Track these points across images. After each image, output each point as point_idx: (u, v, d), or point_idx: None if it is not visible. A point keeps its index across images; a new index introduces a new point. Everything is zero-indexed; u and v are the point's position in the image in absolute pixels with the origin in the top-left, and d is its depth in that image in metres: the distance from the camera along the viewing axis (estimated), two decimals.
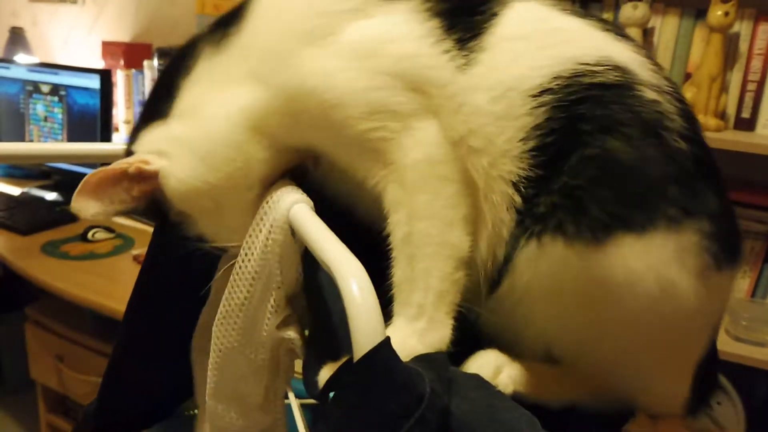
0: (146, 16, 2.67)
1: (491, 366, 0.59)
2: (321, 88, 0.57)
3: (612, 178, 0.52)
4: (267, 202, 0.62)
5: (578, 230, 0.52)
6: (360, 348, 0.45)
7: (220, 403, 0.70)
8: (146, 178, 0.64)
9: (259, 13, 0.62)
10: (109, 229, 2.04)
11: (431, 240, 0.57)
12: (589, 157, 0.52)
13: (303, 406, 0.68)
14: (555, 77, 0.54)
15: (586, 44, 0.56)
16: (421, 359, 0.53)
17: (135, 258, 1.87)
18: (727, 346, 1.47)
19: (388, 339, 0.45)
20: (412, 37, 0.57)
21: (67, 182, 2.40)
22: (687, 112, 0.55)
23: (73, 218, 2.15)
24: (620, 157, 0.51)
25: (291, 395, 0.70)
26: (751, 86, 1.57)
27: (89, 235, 1.99)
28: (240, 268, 0.64)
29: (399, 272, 0.58)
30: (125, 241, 2.00)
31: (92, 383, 1.91)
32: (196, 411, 0.86)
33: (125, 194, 0.65)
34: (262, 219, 0.62)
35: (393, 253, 0.59)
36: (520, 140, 0.55)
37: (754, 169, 1.65)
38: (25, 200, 2.27)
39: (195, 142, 0.63)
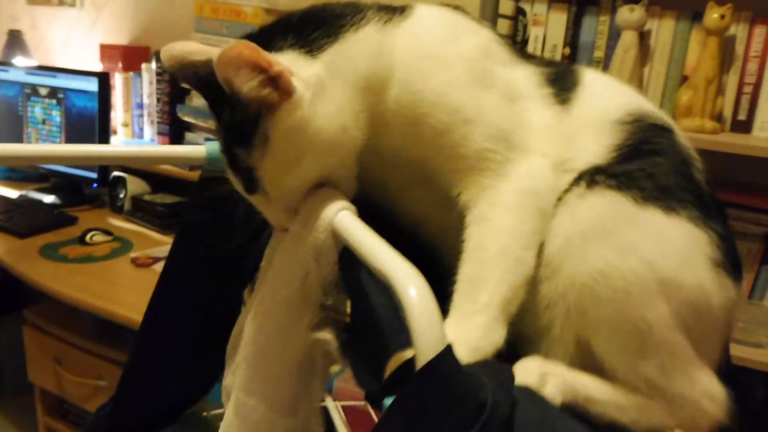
0: (144, 19, 2.67)
1: (536, 375, 0.60)
2: (467, 104, 0.65)
3: (657, 176, 0.65)
4: (315, 200, 0.63)
5: (630, 190, 0.64)
6: (422, 355, 0.44)
7: (251, 397, 0.70)
8: (278, 87, 0.60)
9: (414, 28, 0.69)
10: (107, 232, 2.04)
11: (511, 253, 0.63)
12: (645, 163, 0.66)
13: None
14: (629, 113, 0.69)
15: (641, 98, 0.73)
16: (489, 367, 0.54)
17: (133, 261, 1.87)
18: None
19: (450, 347, 0.45)
20: (534, 96, 0.69)
21: (65, 185, 2.40)
22: (703, 163, 0.71)
23: (71, 221, 2.16)
24: (663, 167, 0.66)
25: (329, 398, 0.69)
26: (748, 89, 1.57)
27: (87, 237, 1.99)
28: (280, 264, 0.64)
29: (469, 270, 0.63)
30: (123, 244, 2.00)
31: (90, 386, 1.91)
32: (207, 413, 0.86)
33: (256, 85, 0.60)
34: (308, 220, 0.62)
35: (464, 255, 0.64)
36: (607, 154, 0.67)
37: (750, 171, 1.65)
38: (24, 203, 2.28)
39: (339, 97, 0.63)
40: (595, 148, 0.67)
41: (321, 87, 0.62)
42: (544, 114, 0.68)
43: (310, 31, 0.65)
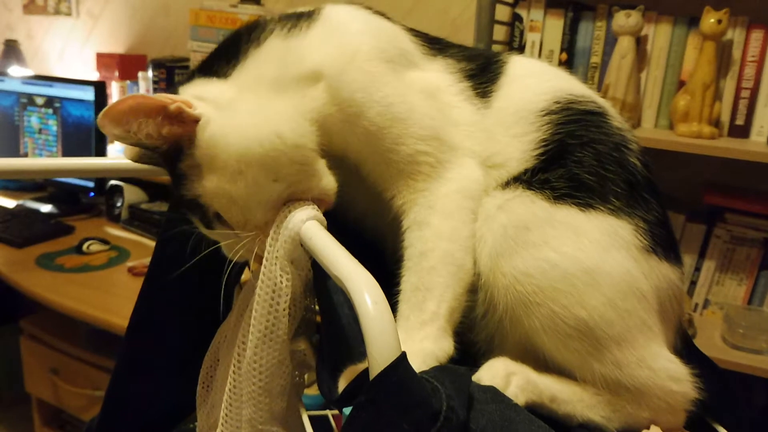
0: (140, 27, 2.67)
1: (501, 375, 0.60)
2: (394, 102, 0.65)
3: (580, 175, 0.66)
4: (284, 213, 0.63)
5: (545, 190, 0.65)
6: (376, 363, 0.44)
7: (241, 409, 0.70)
8: (182, 121, 0.62)
9: (326, 28, 0.68)
10: (103, 241, 2.03)
11: (453, 260, 0.64)
12: (571, 161, 0.66)
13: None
14: (555, 101, 0.68)
15: (572, 82, 0.72)
16: (445, 371, 0.54)
17: (130, 270, 1.86)
18: (724, 354, 1.46)
19: (404, 355, 0.45)
20: (452, 91, 0.69)
21: (62, 195, 2.40)
22: (641, 146, 0.70)
23: (68, 230, 2.15)
24: (588, 162, 0.66)
25: (302, 409, 0.69)
26: (745, 93, 1.57)
27: (84, 247, 1.98)
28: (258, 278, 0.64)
29: (413, 279, 0.63)
30: (120, 253, 1.99)
31: (87, 396, 1.90)
32: (195, 425, 0.85)
33: (154, 129, 0.62)
34: (277, 231, 0.62)
35: (407, 263, 0.64)
36: (531, 150, 0.67)
37: (748, 176, 1.65)
38: (20, 213, 2.27)
39: (253, 107, 0.64)
40: (520, 143, 0.68)
41: (232, 102, 0.64)
42: (466, 109, 0.68)
43: (215, 60, 0.68)
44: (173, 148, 0.64)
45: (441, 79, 0.69)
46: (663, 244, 0.66)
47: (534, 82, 0.70)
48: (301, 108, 0.64)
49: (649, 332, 0.63)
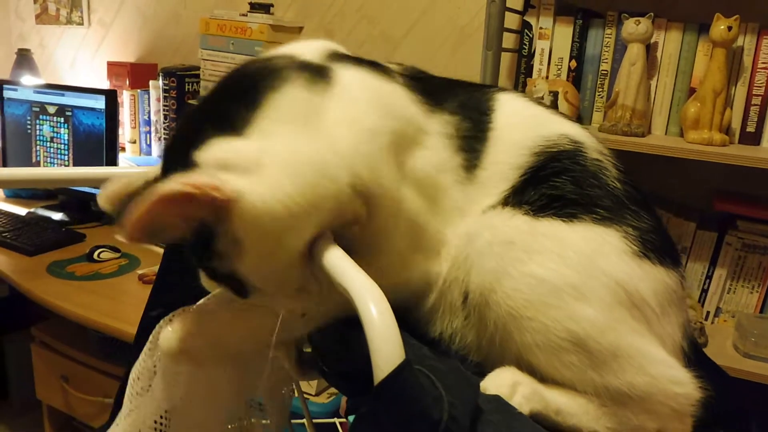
0: (151, 36, 2.69)
1: (507, 384, 0.60)
2: (392, 198, 0.63)
3: (557, 193, 0.66)
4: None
5: (526, 205, 0.66)
6: (380, 372, 0.45)
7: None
8: (213, 204, 0.54)
9: (341, 103, 0.62)
10: (114, 249, 2.04)
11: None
12: (545, 187, 0.67)
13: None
14: (535, 153, 0.68)
15: (554, 123, 0.72)
16: (452, 379, 0.53)
17: (140, 277, 1.87)
18: (736, 362, 1.45)
19: (406, 362, 0.45)
20: (446, 175, 0.68)
21: (73, 203, 2.41)
22: (621, 168, 0.70)
23: (79, 238, 2.16)
24: (564, 185, 0.67)
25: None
26: (756, 100, 1.56)
27: (95, 255, 1.99)
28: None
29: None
30: (131, 261, 2.00)
31: (97, 403, 1.91)
32: None
33: (181, 221, 0.55)
34: None
35: None
36: (510, 184, 0.68)
37: (760, 183, 1.64)
38: (32, 220, 2.28)
39: (291, 159, 0.57)
40: (497, 190, 0.68)
41: (259, 158, 0.56)
42: (455, 195, 0.67)
43: (229, 112, 0.60)
44: (202, 229, 0.57)
45: (438, 158, 0.67)
46: (656, 249, 0.65)
47: (518, 137, 0.69)
48: (338, 152, 0.60)
49: (645, 338, 0.63)
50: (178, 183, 0.52)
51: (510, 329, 0.62)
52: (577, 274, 0.61)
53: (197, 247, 0.59)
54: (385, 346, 0.45)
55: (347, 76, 0.64)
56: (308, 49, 0.67)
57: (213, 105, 0.64)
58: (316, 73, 0.63)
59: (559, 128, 0.71)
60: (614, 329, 0.61)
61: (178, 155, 0.59)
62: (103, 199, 0.62)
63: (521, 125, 0.71)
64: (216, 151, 0.57)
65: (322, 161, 0.58)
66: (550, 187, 0.66)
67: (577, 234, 0.63)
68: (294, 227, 0.57)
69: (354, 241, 0.62)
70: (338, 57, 0.67)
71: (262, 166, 0.56)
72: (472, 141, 0.69)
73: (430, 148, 0.67)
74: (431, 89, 0.70)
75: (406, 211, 0.64)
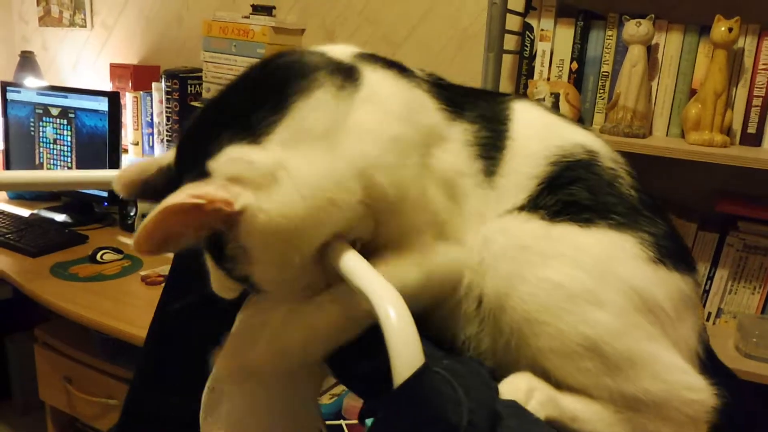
0: (153, 38, 2.70)
1: (523, 389, 0.60)
2: (416, 197, 0.63)
3: (574, 199, 0.66)
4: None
5: (541, 209, 0.66)
6: (399, 375, 0.45)
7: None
8: (222, 215, 0.55)
9: (373, 101, 0.63)
10: (117, 251, 2.05)
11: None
12: (561, 193, 0.67)
13: None
14: (551, 163, 0.68)
15: (569, 132, 0.72)
16: (472, 383, 0.53)
17: (143, 279, 1.88)
18: (737, 363, 1.45)
19: (426, 366, 0.45)
20: (467, 179, 0.68)
21: (76, 204, 2.42)
22: (635, 176, 0.71)
23: (82, 240, 2.17)
24: (579, 193, 0.67)
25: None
26: (757, 101, 1.56)
27: (98, 256, 2.00)
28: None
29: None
30: (133, 262, 2.01)
31: (101, 404, 1.91)
32: None
33: (192, 231, 0.57)
34: None
35: None
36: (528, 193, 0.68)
37: (761, 184, 1.65)
38: (35, 222, 2.29)
39: (304, 178, 0.57)
40: (515, 198, 0.68)
41: (274, 172, 0.56)
42: (475, 200, 0.67)
43: (252, 112, 0.59)
44: (213, 235, 0.58)
45: (458, 162, 0.67)
46: (672, 255, 0.65)
47: (535, 147, 0.70)
48: (353, 166, 0.59)
49: (660, 344, 0.63)
50: (186, 195, 0.53)
51: (525, 334, 0.62)
52: (593, 279, 0.61)
53: (212, 250, 0.60)
54: (405, 349, 0.45)
55: (375, 79, 0.64)
56: (338, 48, 0.67)
57: (237, 101, 0.62)
58: (346, 76, 0.62)
59: (574, 137, 0.71)
60: (629, 335, 0.61)
61: (193, 156, 0.59)
62: (117, 183, 0.64)
63: (537, 136, 0.71)
64: (230, 161, 0.56)
65: (337, 179, 0.58)
66: (566, 194, 0.66)
67: (593, 239, 0.63)
68: (302, 240, 0.58)
69: (373, 242, 0.63)
70: (367, 57, 0.67)
71: (277, 181, 0.56)
72: (491, 149, 0.69)
73: (452, 153, 0.67)
74: (452, 97, 0.70)
75: (430, 205, 0.64)
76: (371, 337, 0.53)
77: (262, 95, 0.60)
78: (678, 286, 0.65)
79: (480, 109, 0.71)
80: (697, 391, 0.63)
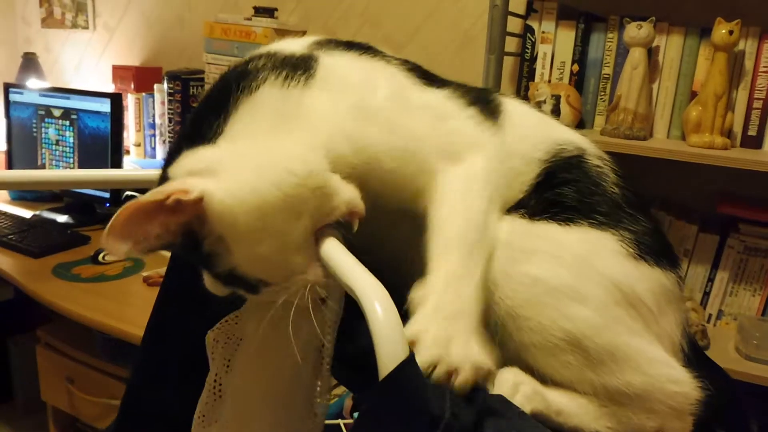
0: (156, 40, 2.71)
1: (509, 383, 0.61)
2: (407, 146, 0.65)
3: (559, 201, 0.68)
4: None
5: (519, 210, 0.68)
6: (385, 368, 0.46)
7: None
8: (185, 208, 0.58)
9: (329, 80, 0.65)
10: None
11: (479, 227, 0.63)
12: (546, 194, 0.69)
13: None
14: (546, 151, 0.71)
15: (558, 131, 0.75)
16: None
17: (145, 279, 1.88)
18: (738, 365, 1.46)
19: (411, 358, 0.46)
20: (462, 116, 0.70)
21: (78, 205, 2.42)
22: (620, 174, 0.72)
23: (84, 240, 2.17)
24: (566, 197, 0.69)
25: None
26: (757, 104, 1.57)
27: (100, 257, 2.00)
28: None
29: (442, 240, 0.63)
30: (135, 263, 2.01)
31: (102, 405, 1.92)
32: None
33: (161, 228, 0.58)
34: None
35: (431, 231, 0.63)
36: (527, 184, 0.70)
37: (761, 186, 1.65)
38: (37, 223, 2.29)
39: (253, 156, 0.60)
40: (523, 180, 0.70)
41: (228, 160, 0.60)
42: (477, 129, 0.68)
43: (198, 123, 0.64)
44: (188, 235, 0.60)
45: (448, 102, 0.69)
46: (653, 251, 0.66)
47: (530, 128, 0.73)
48: (310, 143, 0.62)
49: (642, 337, 0.64)
50: (147, 195, 0.57)
51: (509, 329, 0.63)
52: (573, 275, 0.62)
53: (189, 253, 0.62)
54: (390, 343, 0.46)
55: (331, 62, 0.67)
56: (294, 43, 0.70)
57: (196, 116, 0.67)
58: (296, 67, 0.65)
59: (562, 133, 0.74)
60: (610, 329, 0.62)
61: (163, 174, 0.64)
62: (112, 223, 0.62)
63: (529, 122, 0.74)
64: (184, 161, 0.61)
65: (293, 155, 0.60)
66: (553, 194, 0.68)
67: (573, 236, 0.65)
68: (278, 218, 0.59)
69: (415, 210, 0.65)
70: (325, 44, 0.69)
71: (225, 165, 0.60)
72: (483, 107, 0.70)
73: (434, 94, 0.69)
74: (430, 76, 0.72)
75: (417, 132, 0.65)
76: (355, 324, 0.55)
77: (214, 105, 0.64)
78: (660, 281, 0.66)
79: (464, 89, 0.72)
80: (681, 384, 0.64)
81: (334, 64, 0.67)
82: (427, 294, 0.58)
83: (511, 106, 0.74)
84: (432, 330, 0.55)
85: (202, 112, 0.66)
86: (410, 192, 0.66)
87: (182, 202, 0.57)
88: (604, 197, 0.68)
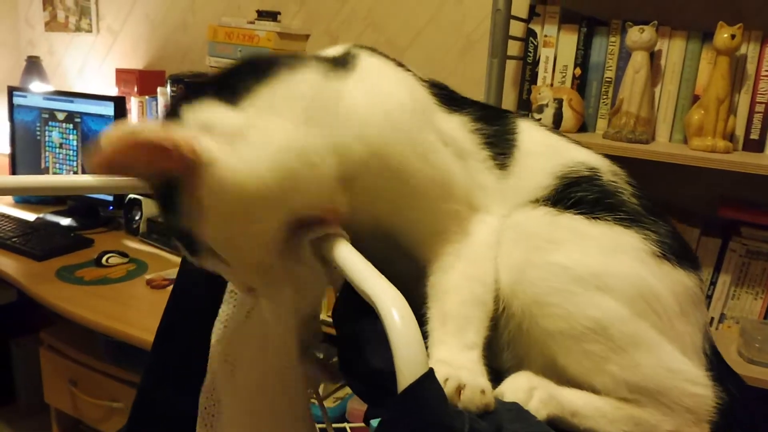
0: (159, 43, 2.71)
1: (524, 389, 0.61)
2: (431, 174, 0.65)
3: (580, 200, 0.69)
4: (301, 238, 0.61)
5: (549, 204, 0.69)
6: (403, 377, 0.45)
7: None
8: (184, 162, 0.54)
9: (365, 82, 0.65)
10: (122, 254, 2.06)
11: (482, 300, 0.65)
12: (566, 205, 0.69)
13: None
14: (557, 177, 0.71)
15: (571, 150, 0.75)
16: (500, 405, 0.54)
17: (148, 282, 1.89)
18: (740, 368, 1.46)
19: (430, 372, 0.46)
20: (478, 157, 0.70)
21: (81, 208, 2.43)
22: (635, 185, 0.73)
23: (87, 243, 2.18)
24: (587, 199, 0.69)
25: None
26: (759, 108, 1.57)
27: (103, 260, 2.01)
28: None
29: (444, 309, 0.63)
30: (138, 266, 2.02)
31: (105, 407, 1.92)
32: None
33: (145, 165, 0.54)
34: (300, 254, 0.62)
35: (432, 301, 0.64)
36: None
37: (763, 190, 1.65)
38: (40, 226, 2.30)
39: (270, 135, 0.57)
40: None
41: (244, 131, 0.57)
42: (489, 178, 0.70)
43: (235, 78, 0.61)
44: (168, 181, 0.56)
45: (467, 140, 0.70)
46: (675, 253, 0.67)
47: (542, 162, 0.72)
48: (330, 142, 0.61)
49: (665, 334, 0.64)
50: (156, 132, 0.52)
51: (535, 316, 0.63)
52: (599, 266, 0.63)
53: (160, 195, 0.59)
54: (409, 353, 0.45)
55: (370, 63, 0.67)
56: (334, 48, 0.70)
57: (228, 72, 0.64)
58: (337, 63, 0.65)
59: (578, 154, 0.74)
60: (635, 321, 0.62)
61: (175, 104, 0.60)
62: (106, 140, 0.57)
63: (543, 152, 0.73)
64: (203, 111, 0.57)
65: (310, 149, 0.59)
66: (572, 197, 0.69)
67: (598, 230, 0.66)
68: (265, 208, 0.58)
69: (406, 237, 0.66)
70: (365, 48, 0.70)
71: (246, 139, 0.56)
72: (498, 148, 0.71)
73: (453, 124, 0.70)
74: (452, 96, 0.73)
75: (442, 167, 0.66)
76: (374, 338, 0.54)
77: (256, 67, 0.62)
78: (682, 282, 0.66)
79: (479, 111, 0.73)
80: (699, 385, 0.64)
81: (373, 67, 0.68)
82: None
83: (527, 135, 0.74)
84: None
85: (241, 67, 0.64)
86: (411, 226, 0.67)
87: (184, 156, 0.54)
88: (623, 205, 0.69)
